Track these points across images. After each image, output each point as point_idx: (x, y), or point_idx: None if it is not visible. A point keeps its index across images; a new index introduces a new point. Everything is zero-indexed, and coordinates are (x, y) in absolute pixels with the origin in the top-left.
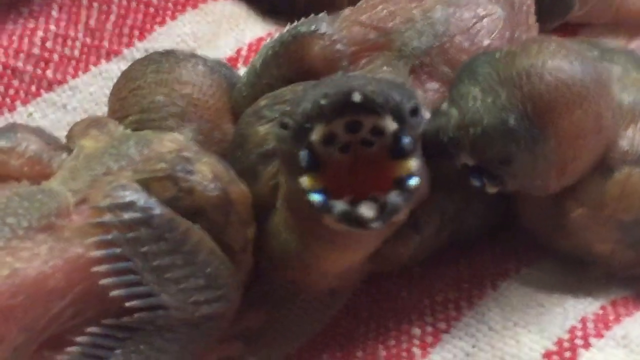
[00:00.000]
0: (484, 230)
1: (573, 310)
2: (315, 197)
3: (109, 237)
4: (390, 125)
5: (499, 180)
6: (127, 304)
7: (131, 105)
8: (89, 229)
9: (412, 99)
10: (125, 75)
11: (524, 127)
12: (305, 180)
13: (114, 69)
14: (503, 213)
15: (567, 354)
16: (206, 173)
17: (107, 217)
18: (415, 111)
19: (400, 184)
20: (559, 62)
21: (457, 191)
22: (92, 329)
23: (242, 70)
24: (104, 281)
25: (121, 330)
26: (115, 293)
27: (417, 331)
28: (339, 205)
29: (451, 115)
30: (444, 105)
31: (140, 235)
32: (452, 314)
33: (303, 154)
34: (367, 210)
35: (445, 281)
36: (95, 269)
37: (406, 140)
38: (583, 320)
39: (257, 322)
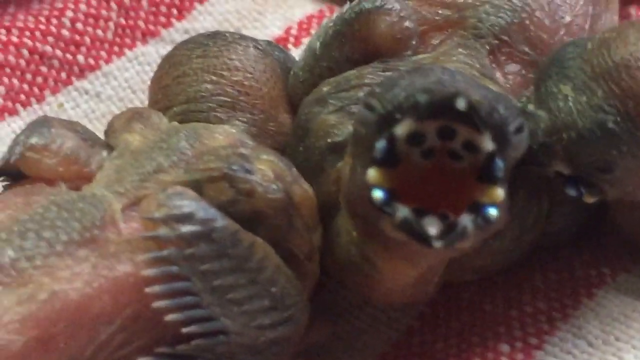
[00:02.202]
0: (572, 232)
1: None
2: (378, 194)
3: (164, 253)
4: (488, 144)
5: (598, 189)
6: (184, 330)
7: (175, 94)
8: (139, 243)
9: (519, 116)
10: (168, 61)
11: (625, 129)
12: (372, 173)
13: (152, 52)
14: (594, 213)
15: None
16: (267, 172)
17: (162, 230)
18: (519, 130)
19: (477, 210)
20: None
21: (540, 193)
22: (144, 359)
23: (292, 52)
24: (157, 304)
25: (176, 359)
26: (170, 317)
27: (505, 347)
28: (402, 211)
29: (539, 118)
30: (531, 107)
31: (200, 252)
32: (544, 328)
33: (380, 145)
34: (431, 226)
35: (533, 290)
36: (148, 290)
37: (500, 164)
38: None
39: (321, 336)
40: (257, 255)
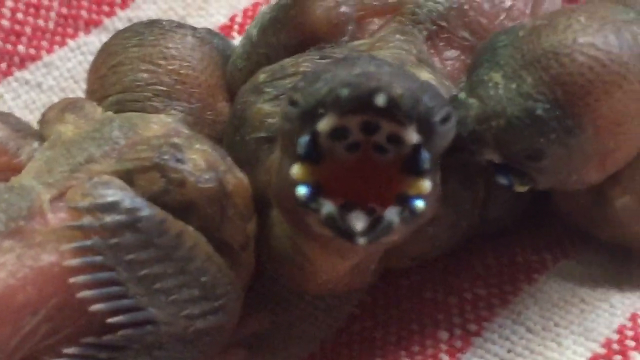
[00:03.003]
0: (513, 219)
1: (621, 307)
2: (302, 191)
3: (89, 242)
4: (412, 137)
5: (528, 178)
6: (110, 320)
7: (111, 84)
8: (65, 233)
9: (445, 106)
10: (104, 50)
11: (554, 116)
12: (296, 169)
13: (94, 42)
14: (533, 199)
15: (617, 358)
16: (199, 162)
17: (87, 220)
18: (446, 120)
19: (403, 201)
20: (591, 37)
21: (474, 179)
22: (70, 350)
23: (237, 40)
24: (82, 294)
25: (104, 349)
26: (95, 307)
27: (444, 334)
28: (327, 207)
29: (470, 105)
30: (462, 94)
31: (125, 241)
32: (483, 314)
33: (303, 140)
34: (357, 221)
35: (473, 277)
36: (73, 279)
37: (426, 156)
38: (633, 318)
39: (261, 326)
40: (186, 244)
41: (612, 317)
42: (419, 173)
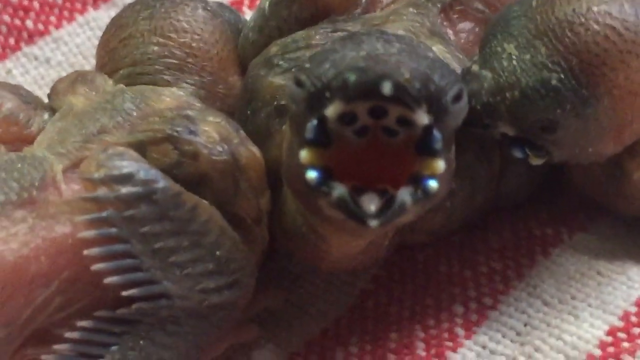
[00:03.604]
0: (528, 191)
1: (638, 279)
2: (312, 175)
3: (103, 214)
4: (422, 118)
5: (544, 151)
6: (124, 293)
7: (122, 57)
8: (79, 204)
9: (456, 83)
10: (114, 23)
11: (569, 87)
12: (305, 154)
13: (104, 17)
14: (548, 172)
15: (636, 330)
16: (212, 134)
17: (101, 192)
18: (458, 98)
19: (416, 182)
20: (606, 5)
21: (490, 151)
22: (83, 323)
23: (248, 15)
24: (96, 266)
25: (117, 323)
26: (110, 280)
27: (459, 308)
28: (338, 189)
29: (484, 78)
30: (475, 67)
31: (140, 214)
32: (499, 288)
33: (311, 125)
34: (368, 203)
35: (489, 250)
36: (87, 252)
37: (437, 137)
38: None
39: (274, 302)
40: (201, 217)
41: (630, 290)
42: (432, 153)
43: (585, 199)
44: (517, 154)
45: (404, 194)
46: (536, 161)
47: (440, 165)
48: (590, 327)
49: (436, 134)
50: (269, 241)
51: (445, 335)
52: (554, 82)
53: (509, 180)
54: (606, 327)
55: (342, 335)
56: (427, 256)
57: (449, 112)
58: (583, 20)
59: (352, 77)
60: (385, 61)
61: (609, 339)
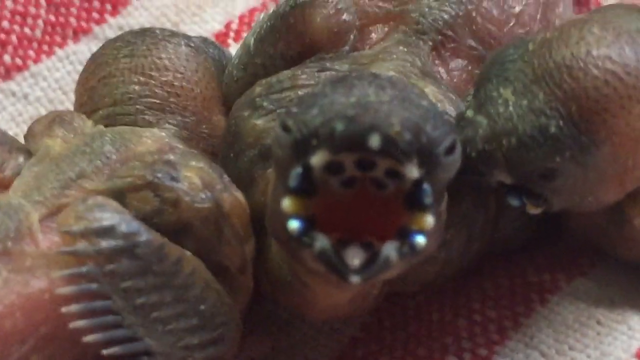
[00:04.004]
0: (525, 236)
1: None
2: (294, 225)
3: (83, 269)
4: (412, 172)
5: (542, 199)
6: (105, 351)
7: (101, 96)
8: (57, 258)
9: (450, 134)
10: (94, 61)
11: (568, 134)
12: (287, 203)
13: (84, 50)
14: (545, 216)
15: None
16: (194, 180)
17: (81, 245)
18: (451, 150)
19: (404, 236)
20: (606, 49)
21: (487, 198)
22: None
23: (232, 48)
24: (75, 323)
25: None
26: (89, 338)
27: None
28: (321, 241)
29: (479, 124)
30: (469, 112)
31: (122, 268)
32: (494, 338)
33: (295, 173)
34: (352, 257)
35: (483, 297)
36: (65, 309)
37: (428, 191)
38: None
39: (260, 351)
40: (185, 270)
41: (631, 340)
42: (421, 208)
43: (583, 243)
44: (514, 202)
45: (390, 249)
46: (534, 210)
47: (429, 220)
48: None
49: (426, 187)
50: (255, 286)
51: None
52: (552, 129)
53: (505, 225)
54: None
55: None
56: (419, 303)
57: (441, 164)
58: (582, 64)
59: (339, 127)
60: (375, 110)
61: None
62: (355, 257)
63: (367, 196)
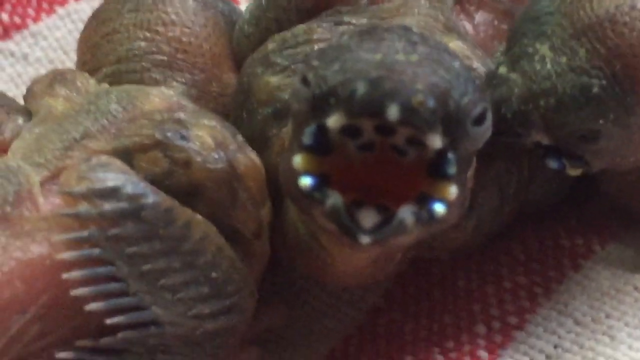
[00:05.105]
0: (557, 197)
1: None
2: (306, 181)
3: (85, 233)
4: (435, 142)
5: (582, 161)
6: (109, 320)
7: (105, 54)
8: (58, 221)
9: (480, 102)
10: (96, 17)
11: (612, 94)
12: (299, 159)
13: (86, 8)
14: (578, 178)
15: None
16: (206, 140)
17: (83, 207)
18: (481, 119)
19: (423, 202)
20: None
21: (520, 159)
22: (63, 353)
23: (243, 5)
24: (77, 291)
25: (101, 353)
26: (92, 306)
27: (481, 329)
28: (333, 198)
29: (514, 82)
30: (503, 69)
31: (126, 232)
32: (525, 305)
33: (310, 130)
34: (365, 217)
35: (512, 263)
36: (66, 275)
37: (452, 161)
38: None
39: (277, 321)
40: (195, 235)
41: None
42: (445, 177)
43: (617, 206)
44: (553, 164)
45: (406, 212)
46: (574, 172)
47: (452, 190)
48: (628, 349)
49: (451, 157)
50: (271, 253)
51: (467, 358)
52: (595, 89)
53: (538, 187)
54: None
55: (351, 356)
56: (444, 269)
57: (468, 134)
58: (627, 19)
59: (359, 90)
60: (400, 72)
61: None
62: (368, 218)
63: (387, 159)
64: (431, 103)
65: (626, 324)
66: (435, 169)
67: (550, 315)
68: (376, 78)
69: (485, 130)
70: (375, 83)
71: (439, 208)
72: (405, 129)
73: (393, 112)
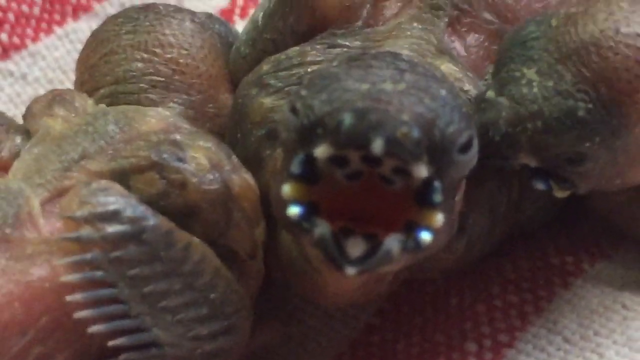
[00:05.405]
0: (547, 217)
1: None
2: (294, 210)
3: (88, 256)
4: (421, 172)
5: (569, 183)
6: (111, 343)
7: (103, 74)
8: (59, 244)
9: (466, 130)
10: (95, 38)
11: (598, 117)
12: (288, 188)
13: (84, 28)
14: (568, 198)
15: None
16: (201, 161)
17: (85, 231)
18: (467, 147)
19: (410, 230)
20: (637, 26)
21: (510, 179)
22: None
23: (238, 25)
24: (79, 313)
25: None
26: (94, 328)
27: (472, 346)
28: (321, 227)
29: (501, 106)
30: (490, 93)
31: (128, 255)
32: (515, 323)
33: (298, 160)
34: (352, 247)
35: (503, 281)
36: (69, 297)
37: (438, 189)
38: None
39: (271, 338)
40: (194, 257)
41: None
42: (431, 205)
43: (605, 224)
44: (540, 186)
45: (392, 243)
46: (561, 194)
47: (438, 218)
48: None
49: (437, 185)
50: (265, 271)
51: None
52: (581, 112)
53: (527, 207)
54: None
55: None
56: (437, 288)
57: (454, 163)
58: (612, 43)
59: (346, 121)
60: (386, 102)
61: None
62: (355, 248)
63: (374, 188)
64: (416, 134)
65: (614, 342)
66: (421, 197)
67: (540, 333)
68: (362, 109)
69: (472, 157)
70: (361, 115)
71: (425, 236)
72: (391, 159)
73: (378, 144)
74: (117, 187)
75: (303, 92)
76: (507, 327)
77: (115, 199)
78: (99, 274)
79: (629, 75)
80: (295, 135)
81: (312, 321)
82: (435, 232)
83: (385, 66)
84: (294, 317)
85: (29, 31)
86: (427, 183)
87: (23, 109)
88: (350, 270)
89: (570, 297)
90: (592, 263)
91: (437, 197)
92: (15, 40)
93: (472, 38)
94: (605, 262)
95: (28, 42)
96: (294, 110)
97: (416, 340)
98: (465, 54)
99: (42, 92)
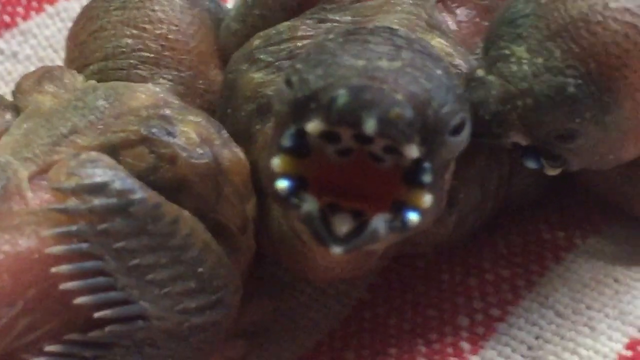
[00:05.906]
0: (538, 192)
1: None
2: (283, 184)
3: (74, 228)
4: (412, 152)
5: (560, 160)
6: (97, 314)
7: (92, 51)
8: (47, 215)
9: (459, 112)
10: (84, 14)
11: (588, 93)
12: (278, 161)
13: (75, 7)
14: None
15: None
16: (191, 135)
17: (72, 203)
18: (459, 129)
19: (397, 209)
20: (625, 1)
21: (501, 154)
22: (52, 347)
23: (230, 2)
24: (65, 285)
25: (89, 347)
26: (80, 300)
27: (464, 320)
28: (309, 203)
29: (491, 84)
30: (480, 72)
31: (115, 227)
32: (507, 297)
33: (289, 133)
34: (339, 224)
35: (495, 256)
36: (55, 269)
37: (428, 170)
38: None
39: (262, 314)
40: (182, 231)
41: None
42: (420, 186)
43: (598, 200)
44: (531, 164)
45: (379, 222)
46: (552, 171)
47: (426, 199)
48: (608, 339)
49: (427, 166)
50: (256, 246)
51: (450, 350)
52: (570, 88)
53: (518, 182)
54: (625, 340)
55: (336, 349)
56: (428, 263)
57: (445, 144)
58: (600, 18)
59: (340, 99)
60: (381, 80)
61: (629, 353)
62: (342, 224)
63: (364, 165)
64: (409, 115)
65: (606, 316)
66: (411, 177)
67: (532, 307)
68: (356, 87)
69: (464, 139)
70: (355, 93)
71: (412, 217)
72: (383, 139)
73: (370, 124)
74: (106, 159)
75: (299, 66)
76: (499, 301)
77: (103, 171)
78: (84, 246)
79: (618, 49)
80: (288, 108)
81: (303, 297)
82: (422, 212)
83: (382, 42)
84: (284, 293)
85: (20, 9)
86: (417, 163)
87: (13, 88)
88: (336, 250)
89: (562, 272)
90: (584, 238)
91: (427, 178)
92: (6, 18)
93: (462, 13)
94: (597, 237)
95: (19, 20)
96: (288, 82)
97: (408, 316)
98: (456, 29)
99: (32, 70)
